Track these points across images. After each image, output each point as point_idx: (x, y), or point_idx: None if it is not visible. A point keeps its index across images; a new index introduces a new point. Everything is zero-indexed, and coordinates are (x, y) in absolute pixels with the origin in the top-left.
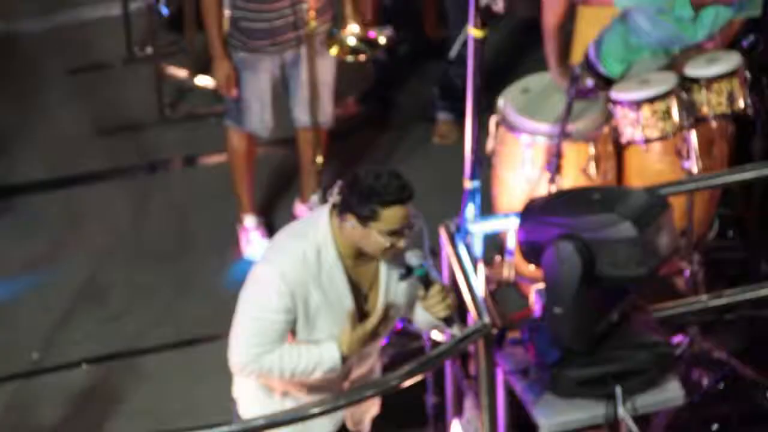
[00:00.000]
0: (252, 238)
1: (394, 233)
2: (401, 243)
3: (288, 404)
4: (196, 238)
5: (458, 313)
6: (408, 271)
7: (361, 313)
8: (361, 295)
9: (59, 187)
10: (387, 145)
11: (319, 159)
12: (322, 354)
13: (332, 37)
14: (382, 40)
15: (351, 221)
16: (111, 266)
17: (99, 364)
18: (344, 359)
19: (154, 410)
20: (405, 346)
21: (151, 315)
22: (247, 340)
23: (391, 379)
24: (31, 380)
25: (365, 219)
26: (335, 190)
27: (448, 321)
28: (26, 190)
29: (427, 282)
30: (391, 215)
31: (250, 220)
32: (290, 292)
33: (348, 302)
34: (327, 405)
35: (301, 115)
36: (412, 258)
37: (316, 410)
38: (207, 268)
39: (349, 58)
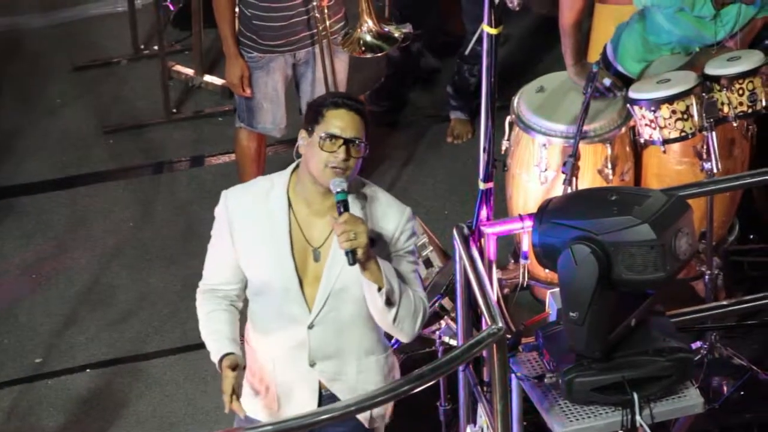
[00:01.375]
0: None
1: (334, 138)
2: (340, 155)
3: (260, 395)
4: (202, 240)
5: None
6: (344, 208)
7: (307, 270)
8: (309, 249)
9: (64, 186)
10: (398, 145)
11: None
12: (219, 346)
13: (348, 34)
14: (399, 36)
15: (302, 138)
16: (116, 268)
17: (103, 368)
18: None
19: (158, 415)
20: (416, 351)
21: (156, 318)
22: (205, 266)
23: (402, 384)
24: (34, 384)
25: (311, 124)
26: None
27: (348, 256)
28: (31, 190)
29: (343, 209)
30: (334, 116)
31: None
32: (227, 214)
33: (285, 247)
34: (336, 411)
35: None
36: (335, 181)
37: (324, 416)
38: None
39: (367, 55)
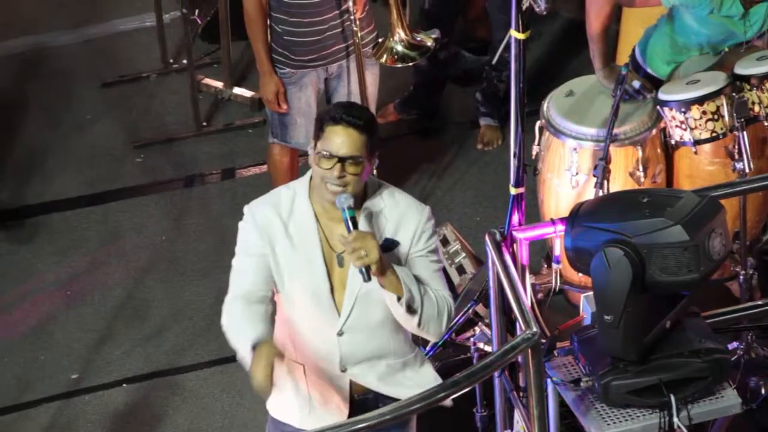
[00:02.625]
0: None
1: (330, 157)
2: (334, 173)
3: (292, 396)
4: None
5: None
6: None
7: (334, 275)
8: (336, 256)
9: (95, 203)
10: (429, 153)
11: None
12: (247, 339)
13: (380, 45)
14: (430, 43)
15: (310, 149)
16: (149, 282)
17: (139, 382)
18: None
19: (195, 428)
20: (451, 358)
21: (191, 331)
22: (230, 282)
23: (438, 391)
24: (71, 400)
25: (315, 137)
26: None
27: (363, 273)
28: (62, 207)
29: (351, 226)
30: (332, 133)
31: None
32: (257, 226)
33: (317, 256)
34: (373, 420)
35: None
36: (340, 199)
37: (361, 425)
38: None
39: (398, 65)
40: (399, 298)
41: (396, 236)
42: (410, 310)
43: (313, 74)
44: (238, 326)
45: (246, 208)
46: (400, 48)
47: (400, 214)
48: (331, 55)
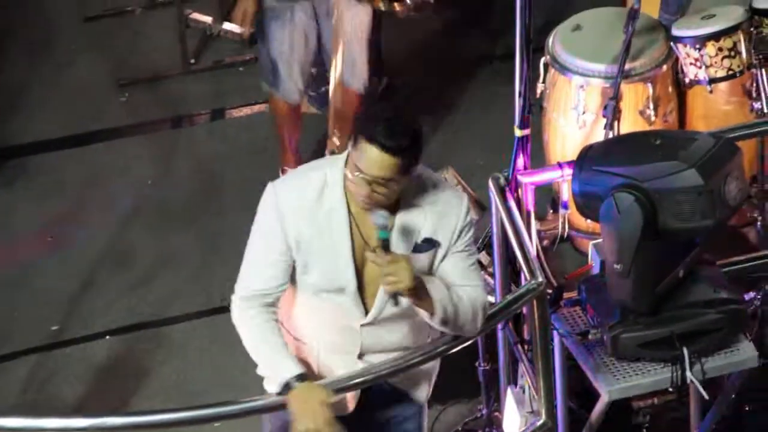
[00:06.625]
0: None
1: (358, 171)
2: (362, 191)
3: None
4: (225, 197)
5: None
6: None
7: (366, 270)
8: (367, 248)
9: (77, 144)
10: (429, 91)
11: (335, 140)
12: (282, 364)
13: None
14: None
15: (350, 146)
16: (134, 229)
17: (124, 334)
18: (287, 389)
19: (183, 382)
20: None
21: (178, 281)
22: (244, 270)
23: (439, 344)
24: (52, 353)
25: (351, 142)
26: None
27: (391, 299)
28: (41, 149)
29: (385, 249)
30: (364, 150)
31: None
32: (279, 213)
33: (345, 251)
34: (386, 369)
35: (332, 71)
36: (377, 217)
37: (374, 374)
38: (238, 228)
39: (382, 7)
40: (432, 314)
41: (435, 235)
42: (444, 323)
43: (298, 10)
44: (264, 347)
45: (269, 187)
46: None
47: (440, 212)
48: None
